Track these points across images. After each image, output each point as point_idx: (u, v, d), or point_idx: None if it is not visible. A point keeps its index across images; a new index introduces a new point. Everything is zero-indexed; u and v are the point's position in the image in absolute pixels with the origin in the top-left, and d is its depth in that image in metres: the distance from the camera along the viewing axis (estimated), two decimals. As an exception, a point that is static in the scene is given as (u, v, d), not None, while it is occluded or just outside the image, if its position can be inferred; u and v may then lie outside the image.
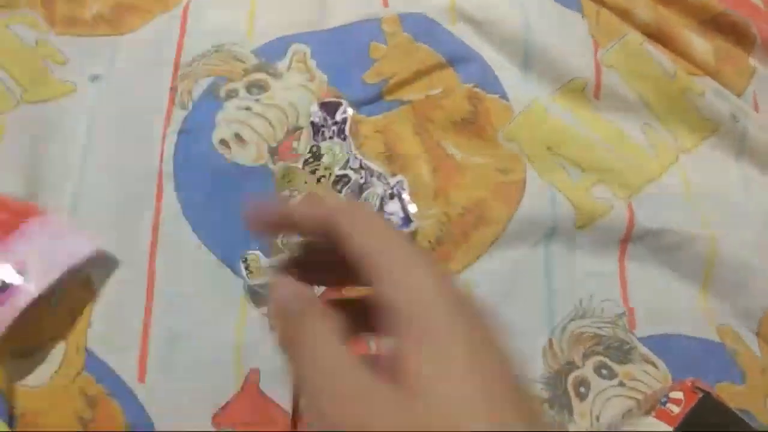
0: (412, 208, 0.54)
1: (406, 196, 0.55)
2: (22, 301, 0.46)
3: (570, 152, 0.60)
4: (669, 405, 0.46)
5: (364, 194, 0.55)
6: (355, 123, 0.60)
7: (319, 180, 0.56)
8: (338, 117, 0.59)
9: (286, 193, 0.56)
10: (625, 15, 0.66)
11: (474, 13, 0.65)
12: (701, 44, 0.66)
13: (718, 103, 0.63)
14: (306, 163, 0.57)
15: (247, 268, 0.51)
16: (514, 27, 0.64)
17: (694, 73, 0.64)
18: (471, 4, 0.65)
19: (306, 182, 0.57)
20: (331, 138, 0.58)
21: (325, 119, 0.59)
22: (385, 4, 0.67)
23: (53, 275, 0.47)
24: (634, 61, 0.64)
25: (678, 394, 0.47)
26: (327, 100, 0.59)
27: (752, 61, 0.67)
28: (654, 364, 0.52)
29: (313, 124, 0.59)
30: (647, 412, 0.47)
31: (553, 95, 0.63)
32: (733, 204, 0.60)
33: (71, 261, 0.49)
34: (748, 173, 0.62)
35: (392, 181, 0.56)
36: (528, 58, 0.63)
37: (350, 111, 0.59)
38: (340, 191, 0.56)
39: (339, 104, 0.59)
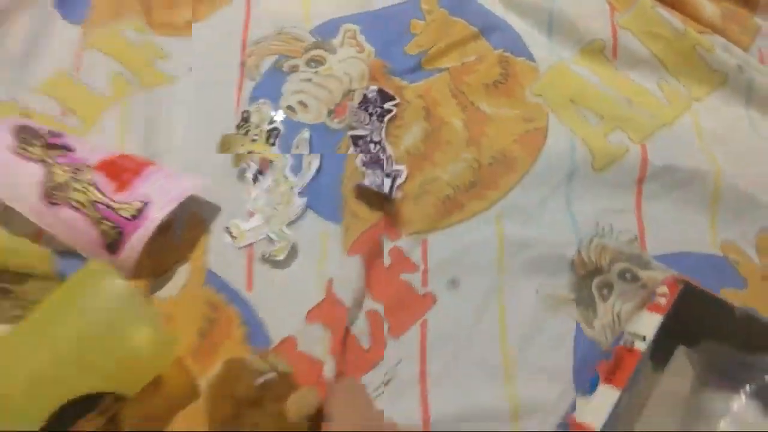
0: (398, 194, 0.64)
1: (398, 181, 0.64)
2: (151, 225, 0.59)
3: (590, 103, 0.70)
4: (657, 298, 0.55)
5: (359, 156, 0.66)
6: (399, 90, 0.71)
7: (253, 140, 0.68)
8: (386, 105, 0.69)
9: (243, 165, 0.67)
10: (637, -20, 0.74)
11: (504, -15, 0.75)
12: (708, 6, 0.74)
13: (726, 57, 0.71)
14: (239, 127, 0.69)
15: (231, 235, 0.63)
16: (540, -2, 0.73)
17: (702, 32, 0.72)
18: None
19: (242, 144, 0.68)
20: (371, 115, 0.68)
21: (375, 100, 0.69)
22: (424, -16, 0.78)
23: (172, 205, 0.61)
24: (647, 23, 0.72)
25: (663, 289, 0.55)
26: (384, 89, 0.69)
27: (758, 20, 0.74)
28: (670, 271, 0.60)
29: (365, 96, 0.69)
30: (641, 308, 0.56)
31: (575, 56, 0.73)
32: (741, 143, 0.68)
33: (185, 194, 0.62)
34: (755, 117, 0.70)
35: (396, 166, 0.65)
36: (552, 24, 0.73)
37: (395, 110, 0.68)
38: (273, 144, 0.67)
39: (392, 97, 0.69)
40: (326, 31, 0.75)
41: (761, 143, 0.68)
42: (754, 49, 0.73)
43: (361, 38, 0.74)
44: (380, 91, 0.69)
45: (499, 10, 0.76)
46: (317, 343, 0.57)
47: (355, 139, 0.66)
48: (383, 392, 0.56)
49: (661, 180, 0.65)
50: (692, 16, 0.73)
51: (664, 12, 0.72)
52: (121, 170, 0.63)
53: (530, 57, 0.73)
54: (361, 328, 0.58)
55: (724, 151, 0.67)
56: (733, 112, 0.70)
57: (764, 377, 0.50)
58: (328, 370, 0.55)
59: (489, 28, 0.74)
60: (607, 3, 0.74)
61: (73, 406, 0.49)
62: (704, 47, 0.70)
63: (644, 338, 0.53)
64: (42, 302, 0.54)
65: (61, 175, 0.61)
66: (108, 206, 0.60)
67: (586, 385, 0.53)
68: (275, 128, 0.68)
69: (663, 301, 0.55)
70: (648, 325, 0.54)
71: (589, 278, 0.61)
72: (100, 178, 0.62)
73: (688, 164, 0.65)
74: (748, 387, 0.50)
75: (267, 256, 0.62)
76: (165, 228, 0.62)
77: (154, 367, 0.54)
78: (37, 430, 0.48)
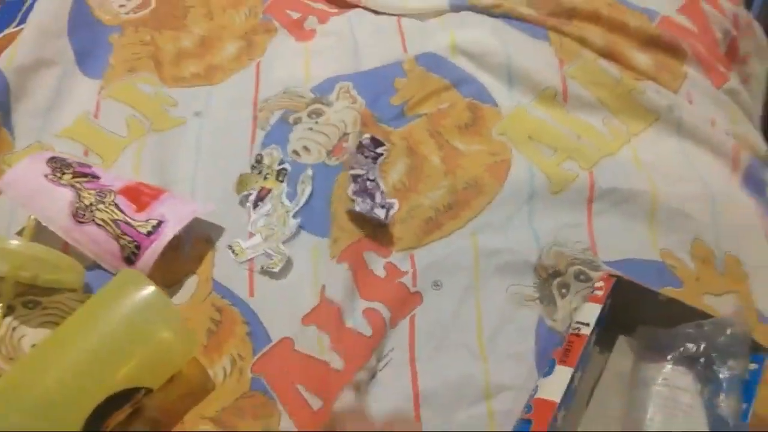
0: (390, 220, 0.73)
1: (392, 212, 0.74)
2: (164, 240, 0.69)
3: (545, 139, 0.81)
4: (596, 292, 0.65)
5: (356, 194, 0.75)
6: (386, 134, 0.82)
7: (265, 177, 0.79)
8: (379, 150, 0.80)
9: (244, 193, 0.78)
10: (581, 41, 0.88)
11: (469, 48, 0.89)
12: (642, 58, 0.87)
13: (657, 98, 0.84)
14: (253, 167, 0.80)
15: (233, 252, 0.72)
16: (499, 56, 0.87)
17: (637, 78, 0.85)
18: (466, 42, 0.90)
19: (256, 182, 0.79)
20: (366, 158, 0.79)
21: (369, 145, 0.79)
22: (404, 50, 0.92)
23: (182, 223, 0.70)
24: (590, 73, 0.86)
25: (600, 284, 0.65)
26: (376, 136, 0.80)
27: (685, 68, 0.88)
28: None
29: (360, 143, 0.80)
30: (585, 301, 0.65)
31: (531, 101, 0.85)
32: (674, 169, 0.79)
33: (193, 214, 0.72)
34: (688, 147, 0.82)
35: (389, 200, 0.75)
36: (511, 77, 0.86)
37: (386, 153, 0.79)
38: (282, 180, 0.78)
39: (383, 143, 0.80)
40: (324, 89, 0.88)
41: (692, 168, 0.79)
42: (682, 91, 0.86)
43: (354, 92, 0.86)
44: (373, 139, 0.80)
45: (467, 67, 0.89)
46: (313, 343, 0.65)
47: (354, 177, 0.76)
48: (380, 372, 0.64)
49: (607, 199, 0.76)
50: (628, 66, 0.86)
51: (604, 63, 0.86)
52: (140, 194, 0.72)
53: (494, 103, 0.85)
54: (357, 322, 0.66)
55: (660, 174, 0.78)
56: (666, 144, 0.82)
57: (685, 344, 0.59)
58: (335, 363, 0.63)
59: (459, 81, 0.87)
60: (556, 57, 0.87)
61: (109, 402, 0.56)
62: (638, 91, 0.83)
63: (588, 324, 0.62)
64: (80, 307, 0.61)
65: (88, 197, 0.71)
66: (128, 224, 0.70)
67: (546, 368, 0.62)
68: (284, 168, 0.79)
69: (600, 293, 0.65)
70: (590, 313, 0.63)
71: (550, 280, 0.70)
72: (122, 201, 0.71)
73: (629, 186, 0.76)
74: (672, 354, 0.59)
75: (265, 268, 0.71)
76: (175, 245, 0.71)
77: (179, 363, 0.62)
78: (81, 426, 0.54)
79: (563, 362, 0.60)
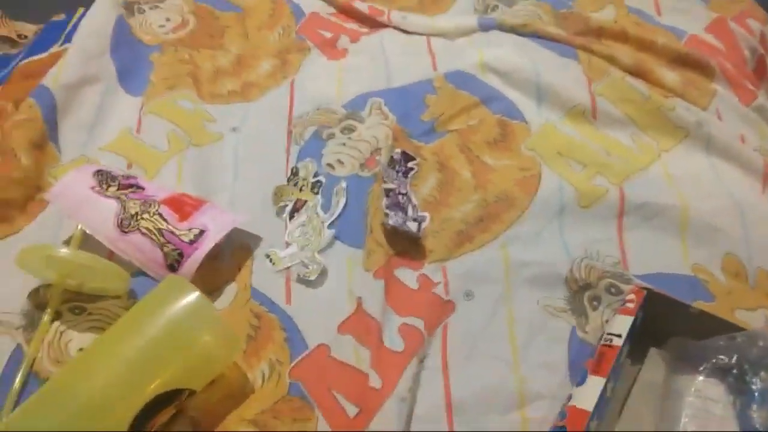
0: (422, 233, 0.75)
1: (424, 224, 0.76)
2: (206, 248, 0.71)
3: (575, 155, 0.83)
4: (627, 304, 0.66)
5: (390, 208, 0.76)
6: (417, 149, 0.84)
7: (300, 189, 0.81)
8: (410, 164, 0.82)
9: (281, 204, 0.80)
10: (610, 59, 0.90)
11: (498, 66, 0.91)
12: (670, 75, 0.89)
13: (687, 115, 0.85)
14: (289, 179, 0.82)
15: (270, 261, 0.74)
16: (527, 73, 0.89)
17: (666, 95, 0.87)
18: (496, 60, 0.92)
19: (292, 193, 0.81)
20: (398, 172, 0.81)
21: (400, 160, 0.82)
22: (434, 68, 0.94)
23: (223, 232, 0.73)
24: (619, 90, 0.87)
25: (631, 296, 0.67)
26: (407, 151, 0.82)
27: (714, 86, 0.89)
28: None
29: (392, 157, 0.82)
30: (616, 313, 0.66)
31: (560, 118, 0.87)
32: (704, 185, 0.80)
33: (233, 224, 0.74)
34: (717, 164, 0.83)
35: (421, 213, 0.77)
36: (539, 94, 0.88)
37: (417, 168, 0.82)
38: (317, 193, 0.80)
39: (414, 158, 0.82)
40: (356, 105, 0.90)
41: (722, 184, 0.80)
42: (711, 108, 0.87)
43: (386, 109, 0.89)
44: (404, 153, 0.82)
45: (496, 84, 0.91)
46: (349, 351, 0.67)
47: (387, 192, 0.78)
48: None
49: (637, 214, 0.77)
50: (656, 83, 0.87)
51: (632, 81, 0.87)
52: (183, 204, 0.75)
53: (523, 119, 0.87)
54: (392, 339, 0.67)
55: (690, 190, 0.79)
56: (695, 160, 0.83)
57: (717, 356, 0.60)
58: (374, 382, 0.64)
59: (488, 98, 0.89)
60: (585, 75, 0.89)
61: (153, 403, 0.58)
62: (667, 107, 0.85)
63: (620, 336, 0.63)
64: (125, 312, 0.64)
65: (133, 207, 0.73)
66: (171, 233, 0.72)
67: (578, 378, 0.63)
68: (319, 180, 0.81)
69: (631, 305, 0.66)
70: (621, 325, 0.64)
71: (581, 292, 0.71)
72: (166, 211, 0.74)
73: (659, 201, 0.77)
74: (705, 366, 0.60)
75: (302, 276, 0.73)
76: (216, 254, 0.73)
77: (221, 366, 0.64)
78: (127, 426, 0.56)
79: (596, 372, 0.61)
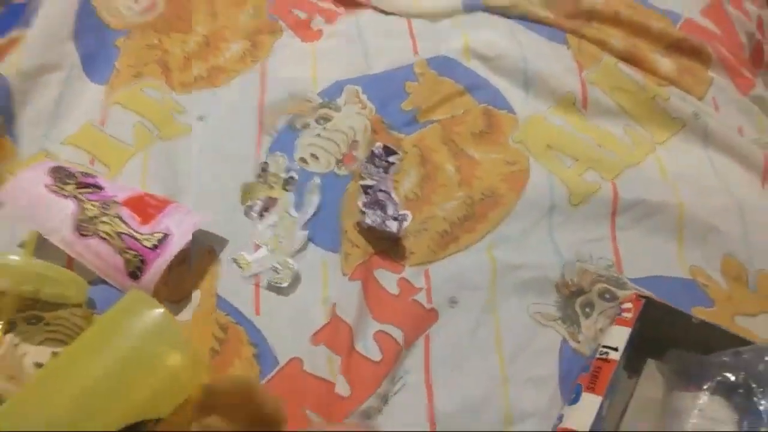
0: (402, 233, 0.70)
1: (405, 224, 0.71)
2: (170, 254, 0.66)
3: (565, 148, 0.78)
4: (624, 314, 0.62)
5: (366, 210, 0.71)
6: (397, 141, 0.79)
7: (271, 186, 0.75)
8: (391, 159, 0.77)
9: (249, 203, 0.74)
10: (601, 44, 0.85)
11: (483, 51, 0.86)
12: (665, 63, 0.84)
13: (682, 105, 0.80)
14: (259, 176, 0.77)
15: (238, 265, 0.69)
16: (515, 59, 0.84)
17: (660, 84, 0.82)
18: (481, 44, 0.86)
19: (262, 191, 0.75)
20: (378, 168, 0.76)
21: (381, 155, 0.77)
22: (415, 52, 0.88)
23: (187, 237, 0.67)
24: (612, 78, 0.82)
25: (628, 305, 0.62)
26: (389, 145, 0.77)
27: (711, 73, 0.84)
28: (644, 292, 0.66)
29: (372, 152, 0.77)
30: (611, 324, 0.62)
31: (549, 108, 0.82)
32: (701, 180, 0.76)
33: (197, 226, 0.69)
34: (714, 157, 0.78)
35: (402, 211, 0.72)
36: (527, 82, 0.83)
37: (398, 162, 0.77)
38: (288, 190, 0.75)
39: (395, 152, 0.77)
40: (332, 93, 0.84)
41: (720, 180, 0.76)
42: (708, 98, 0.83)
43: (363, 97, 0.83)
44: (385, 147, 0.77)
45: (481, 71, 0.85)
46: (323, 364, 0.62)
47: (365, 189, 0.73)
48: (395, 396, 0.61)
49: (631, 212, 0.72)
50: (651, 70, 0.83)
51: (626, 68, 0.82)
52: (146, 206, 0.69)
53: (510, 110, 0.82)
54: (367, 346, 0.63)
55: (686, 186, 0.74)
56: (692, 153, 0.78)
57: (722, 373, 0.56)
58: (341, 388, 0.60)
59: (473, 86, 0.84)
60: (575, 61, 0.84)
61: None
62: (662, 97, 0.80)
63: (616, 349, 0.59)
64: (84, 331, 0.59)
65: (91, 209, 0.68)
66: (132, 237, 0.67)
67: (571, 395, 0.59)
68: (291, 176, 0.76)
69: (629, 315, 0.62)
70: (618, 337, 0.60)
71: (573, 298, 0.67)
72: (126, 213, 0.68)
73: (655, 198, 0.73)
74: (709, 384, 0.56)
75: (272, 283, 0.68)
76: (180, 259, 0.68)
77: (188, 390, 0.58)
78: None
79: (591, 390, 0.57)
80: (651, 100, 0.81)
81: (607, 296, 0.67)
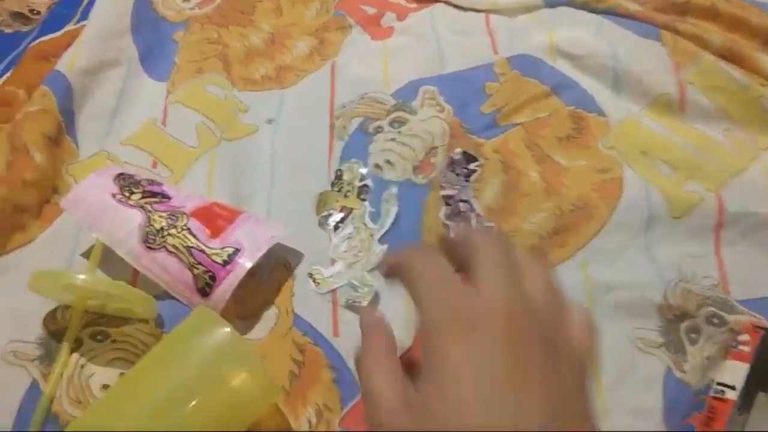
0: None
1: None
2: (241, 271, 0.62)
3: (662, 154, 0.72)
4: (740, 347, 0.56)
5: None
6: (477, 147, 0.74)
7: (346, 195, 0.71)
8: (471, 166, 0.72)
9: (324, 213, 0.70)
10: (698, 41, 0.78)
11: (570, 49, 0.79)
12: (767, 60, 0.76)
13: (790, 107, 0.73)
14: (333, 184, 0.72)
15: (314, 281, 0.65)
16: (604, 58, 0.78)
17: (764, 84, 0.75)
18: (567, 43, 0.80)
19: (337, 201, 0.71)
20: (458, 176, 0.71)
21: (461, 162, 0.72)
22: (495, 50, 0.82)
23: (260, 252, 0.63)
24: (712, 78, 0.75)
25: (745, 337, 0.56)
26: (468, 151, 0.73)
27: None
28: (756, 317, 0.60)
29: (451, 158, 0.72)
30: (725, 356, 0.57)
31: (643, 110, 0.75)
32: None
33: (271, 242, 0.64)
34: (827, 164, 0.71)
35: (486, 224, 0.68)
36: (618, 82, 0.77)
37: (479, 170, 0.72)
38: (364, 199, 0.70)
39: (476, 158, 0.73)
40: (406, 94, 0.79)
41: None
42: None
43: (440, 99, 0.78)
44: (465, 153, 0.72)
45: (567, 71, 0.79)
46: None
47: (446, 199, 0.69)
48: None
49: (738, 226, 0.66)
50: (754, 69, 0.76)
51: (726, 66, 0.75)
52: (215, 217, 0.66)
53: (601, 112, 0.76)
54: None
55: (799, 196, 0.68)
56: (803, 160, 0.71)
57: None
58: None
59: (559, 86, 0.78)
60: (671, 59, 0.77)
61: None
62: (767, 98, 0.73)
63: (734, 388, 0.54)
64: (150, 349, 0.56)
65: (159, 221, 0.64)
66: (202, 251, 0.63)
67: (682, 433, 0.53)
68: (365, 185, 0.71)
69: (746, 349, 0.56)
70: (735, 374, 0.55)
71: (677, 322, 0.61)
72: (195, 225, 0.65)
73: (763, 210, 0.66)
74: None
75: (351, 302, 0.64)
76: (253, 272, 0.64)
77: (257, 412, 0.55)
78: None
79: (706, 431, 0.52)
80: (755, 102, 0.74)
81: (715, 321, 0.61)
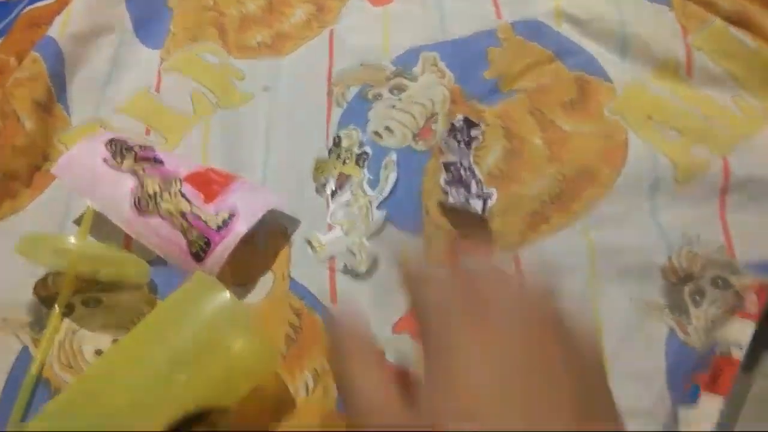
0: (488, 213, 0.65)
1: (489, 203, 0.65)
2: (237, 236, 0.61)
3: (668, 119, 0.70)
4: (748, 306, 0.55)
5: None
6: (478, 113, 0.72)
7: (344, 162, 0.69)
8: (473, 133, 0.70)
9: (322, 180, 0.69)
10: (708, 6, 0.76)
11: (577, 14, 0.77)
12: (776, 23, 0.74)
13: (798, 72, 0.71)
14: (331, 151, 0.70)
15: (311, 247, 0.64)
16: (611, 22, 0.76)
17: (772, 49, 0.73)
18: (573, 6, 0.78)
19: (335, 167, 0.69)
20: (459, 142, 0.70)
21: (462, 129, 0.70)
22: (498, 15, 0.80)
23: (256, 217, 0.62)
24: (720, 42, 0.73)
25: (753, 296, 0.56)
26: (470, 117, 0.71)
27: (833, 37, 0.75)
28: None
29: (452, 125, 0.70)
30: (732, 316, 0.55)
31: (650, 75, 0.74)
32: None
33: (267, 207, 0.63)
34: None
35: (487, 189, 0.66)
36: (624, 46, 0.75)
37: (481, 137, 0.70)
38: (362, 166, 0.68)
39: (477, 124, 0.71)
40: (406, 60, 0.77)
41: None
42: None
43: (442, 65, 0.76)
44: (466, 120, 0.70)
45: (573, 36, 0.77)
46: (406, 352, 0.56)
47: (447, 166, 0.67)
48: None
49: (744, 190, 0.65)
50: (759, 33, 0.74)
51: (736, 31, 0.73)
52: (209, 182, 0.64)
53: (606, 77, 0.74)
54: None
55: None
56: (814, 126, 0.69)
57: None
58: None
59: (564, 51, 0.76)
60: (679, 24, 0.75)
61: (182, 422, 0.49)
62: (776, 63, 0.71)
63: (740, 346, 0.53)
64: (144, 316, 0.55)
65: (152, 185, 0.63)
66: (196, 216, 0.61)
67: (685, 395, 0.52)
68: (364, 152, 0.70)
69: (754, 308, 0.55)
70: (742, 332, 0.54)
71: (681, 285, 0.60)
72: (189, 190, 0.63)
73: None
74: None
75: (349, 267, 0.62)
76: (249, 238, 0.62)
77: (257, 377, 0.54)
78: None
79: (711, 390, 0.51)
80: (765, 67, 0.72)
81: (720, 283, 0.59)
